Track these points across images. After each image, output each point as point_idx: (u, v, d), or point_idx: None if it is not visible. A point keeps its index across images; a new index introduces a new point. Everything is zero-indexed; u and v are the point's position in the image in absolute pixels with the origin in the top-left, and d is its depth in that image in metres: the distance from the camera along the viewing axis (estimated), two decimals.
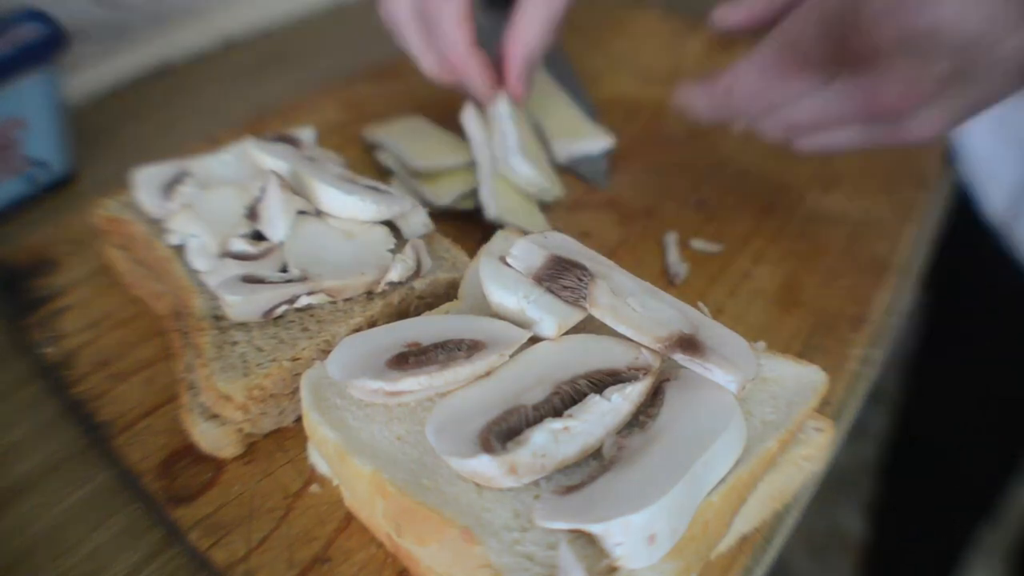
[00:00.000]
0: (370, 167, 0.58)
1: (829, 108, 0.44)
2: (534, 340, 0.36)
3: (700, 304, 0.39)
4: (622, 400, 0.33)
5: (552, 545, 0.30)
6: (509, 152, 0.54)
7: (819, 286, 0.52)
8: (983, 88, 0.40)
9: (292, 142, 0.50)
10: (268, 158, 0.46)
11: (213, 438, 0.38)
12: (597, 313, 0.36)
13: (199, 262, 0.42)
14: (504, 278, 0.37)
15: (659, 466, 0.30)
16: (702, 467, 0.31)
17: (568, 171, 0.60)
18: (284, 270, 0.42)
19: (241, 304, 0.39)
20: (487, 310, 0.37)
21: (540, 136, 0.61)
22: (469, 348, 0.35)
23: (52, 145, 0.55)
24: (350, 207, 0.43)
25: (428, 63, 0.57)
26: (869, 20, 0.39)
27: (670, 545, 0.29)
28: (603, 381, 0.33)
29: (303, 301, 0.41)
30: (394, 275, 0.42)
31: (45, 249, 0.49)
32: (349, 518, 0.36)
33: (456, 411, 0.33)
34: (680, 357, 0.35)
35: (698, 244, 0.54)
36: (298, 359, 0.39)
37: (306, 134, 0.51)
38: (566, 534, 0.29)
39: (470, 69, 0.55)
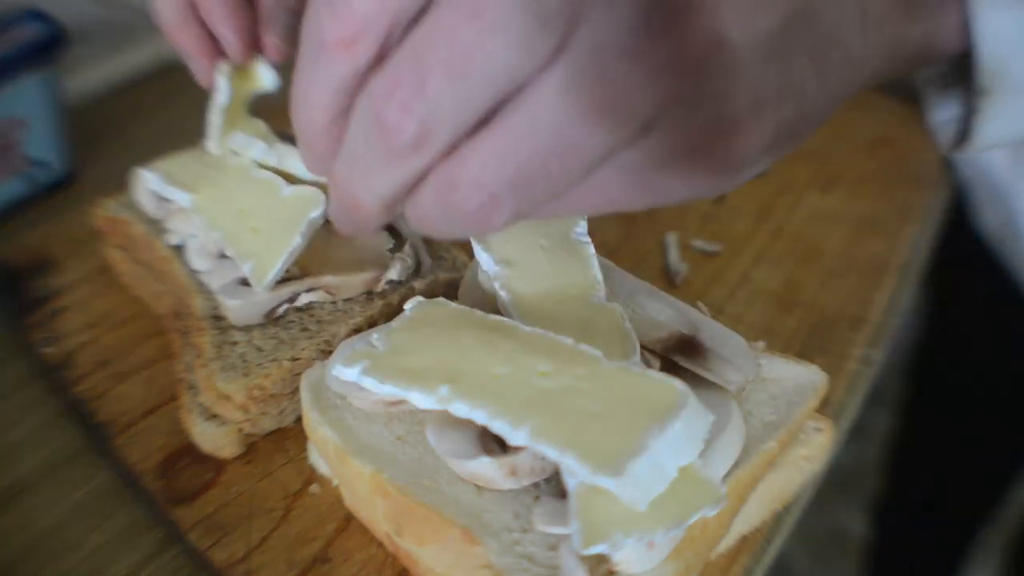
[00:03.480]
0: None
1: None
2: None
3: (700, 304, 0.39)
4: None
5: (553, 546, 0.30)
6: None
7: (819, 286, 0.52)
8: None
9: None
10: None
11: (213, 438, 0.38)
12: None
13: (199, 262, 0.42)
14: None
15: None
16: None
17: None
18: None
19: (241, 308, 0.39)
20: (487, 309, 0.37)
21: None
22: None
23: (52, 145, 0.55)
24: None
25: (169, 15, 0.42)
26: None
27: (669, 549, 0.29)
28: None
29: (303, 299, 0.41)
30: (393, 274, 0.42)
31: (45, 249, 0.49)
32: (349, 518, 0.36)
33: None
34: (679, 359, 0.35)
35: (698, 244, 0.54)
36: (298, 359, 0.39)
37: None
38: (567, 537, 0.29)
39: (222, 22, 0.41)
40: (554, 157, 0.21)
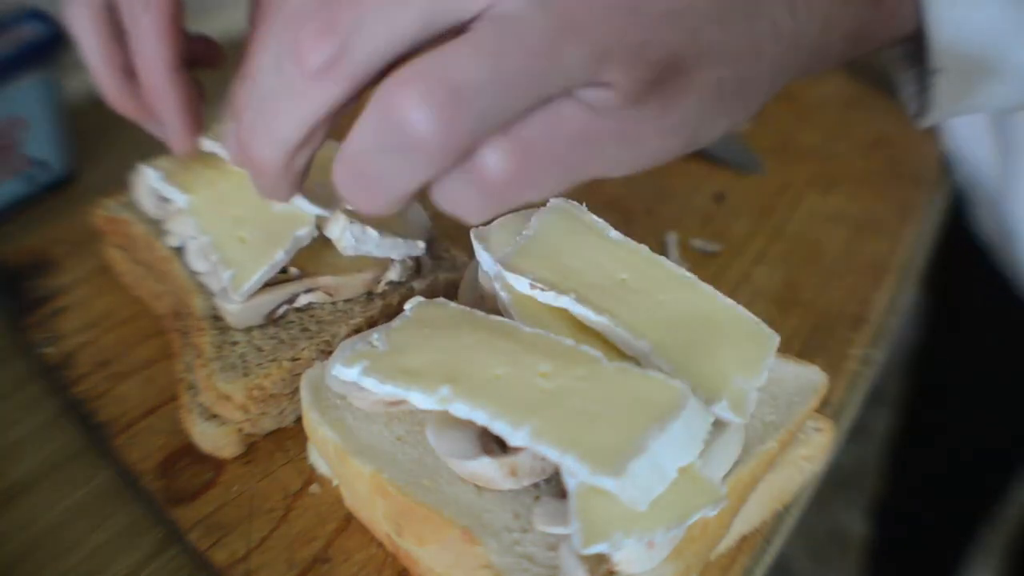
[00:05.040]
0: None
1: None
2: None
3: None
4: None
5: (553, 546, 0.30)
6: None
7: (819, 286, 0.52)
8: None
9: None
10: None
11: (213, 438, 0.38)
12: None
13: (199, 264, 0.42)
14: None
15: None
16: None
17: None
18: (284, 271, 0.42)
19: (240, 312, 0.39)
20: (487, 309, 0.37)
21: None
22: None
23: (52, 145, 0.55)
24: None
25: (108, 83, 0.39)
26: None
27: (669, 549, 0.29)
28: None
29: (303, 300, 0.41)
30: (393, 275, 0.42)
31: (45, 249, 0.49)
32: (349, 518, 0.36)
33: None
34: None
35: (698, 244, 0.54)
36: (298, 359, 0.39)
37: None
38: (567, 537, 0.29)
39: (165, 102, 0.38)
40: (509, 73, 0.21)
